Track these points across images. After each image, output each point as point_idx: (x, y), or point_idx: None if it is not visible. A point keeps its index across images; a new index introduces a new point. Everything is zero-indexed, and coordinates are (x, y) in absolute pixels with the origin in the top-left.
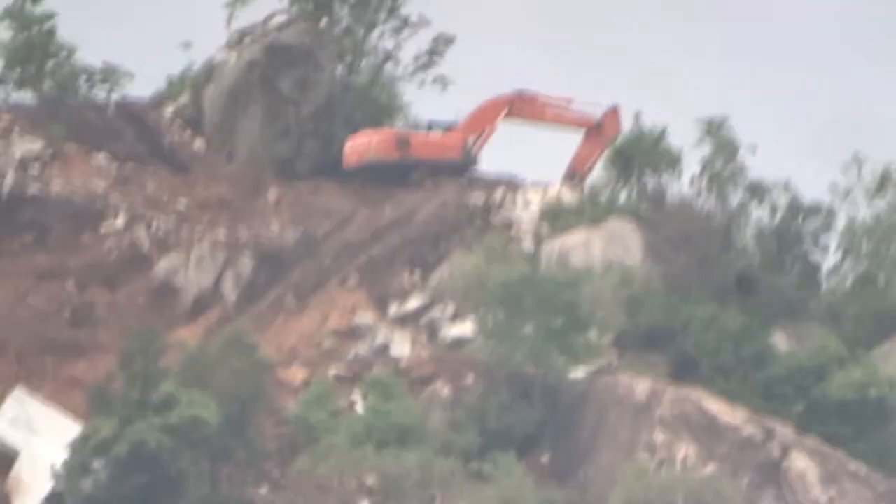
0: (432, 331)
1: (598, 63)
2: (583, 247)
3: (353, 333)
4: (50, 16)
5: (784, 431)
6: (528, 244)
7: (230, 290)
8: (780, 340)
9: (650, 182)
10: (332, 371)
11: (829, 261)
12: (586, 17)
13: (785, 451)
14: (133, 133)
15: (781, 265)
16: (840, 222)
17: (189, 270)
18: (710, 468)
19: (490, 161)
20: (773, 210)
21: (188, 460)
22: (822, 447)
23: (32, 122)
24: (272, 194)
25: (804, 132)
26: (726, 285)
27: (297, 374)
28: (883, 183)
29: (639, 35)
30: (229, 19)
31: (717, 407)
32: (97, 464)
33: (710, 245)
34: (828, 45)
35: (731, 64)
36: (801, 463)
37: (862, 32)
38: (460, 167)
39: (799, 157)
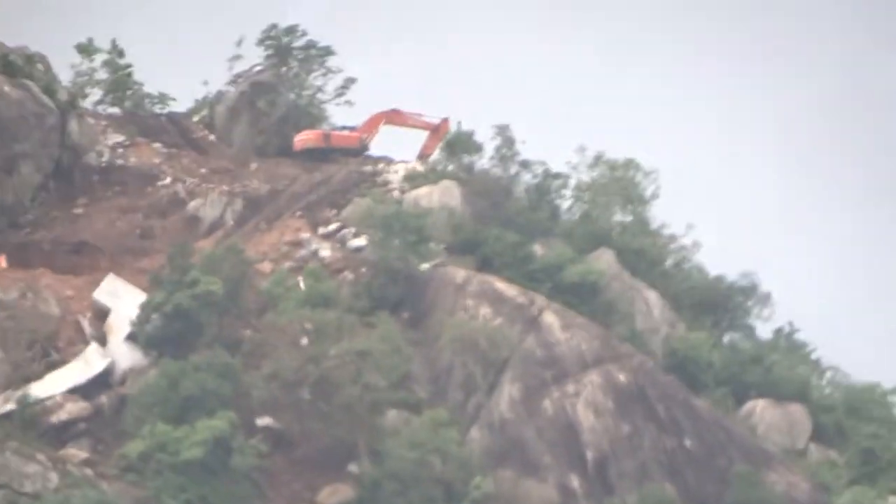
0: (343, 243)
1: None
2: (427, 196)
3: (298, 244)
4: (129, 65)
5: (539, 299)
6: (397, 194)
7: (229, 220)
8: (537, 248)
9: (465, 160)
10: (287, 264)
11: (566, 204)
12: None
13: (540, 311)
14: (176, 131)
15: (541, 206)
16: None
17: (206, 208)
18: (498, 321)
19: (376, 149)
20: (535, 176)
21: (205, 314)
22: (562, 309)
23: (118, 125)
24: (253, 166)
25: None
26: (506, 217)
27: (266, 266)
28: (596, 161)
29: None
30: (231, 67)
31: (501, 285)
32: (154, 316)
33: (499, 195)
34: None
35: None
36: (549, 318)
37: None
38: (359, 152)
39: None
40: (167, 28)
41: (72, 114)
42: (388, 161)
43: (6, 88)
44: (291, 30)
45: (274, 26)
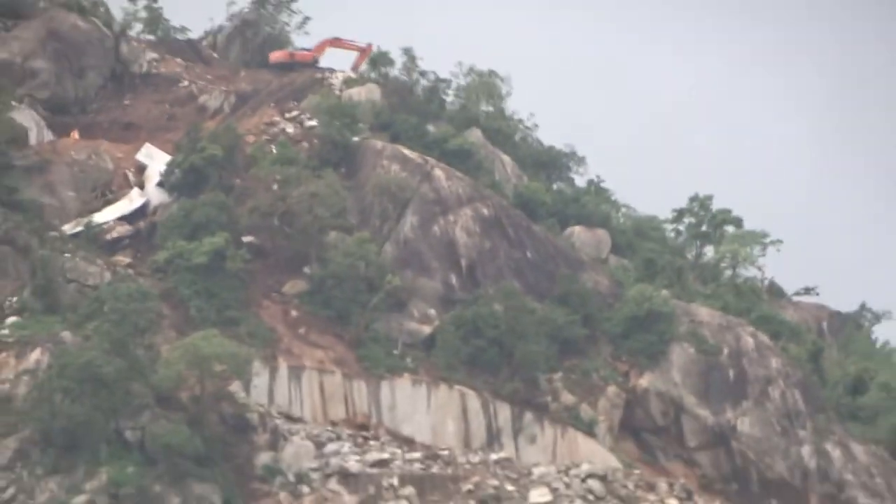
0: (302, 124)
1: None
2: (357, 94)
3: (272, 124)
4: (160, 7)
5: (431, 160)
6: (338, 92)
7: (227, 109)
8: (430, 127)
9: (382, 70)
10: (264, 137)
11: (450, 98)
12: None
13: (432, 168)
14: (191, 51)
15: (433, 100)
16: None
17: (211, 101)
18: (404, 174)
19: (324, 63)
20: (429, 81)
21: (210, 170)
22: (446, 167)
23: (153, 47)
24: (242, 74)
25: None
26: (410, 107)
27: (251, 138)
28: (469, 71)
29: None
30: (228, 9)
31: (406, 151)
32: (176, 170)
33: (405, 93)
34: None
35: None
36: (437, 173)
37: None
38: (312, 65)
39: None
40: None
41: (122, 39)
42: (332, 71)
43: (79, 22)
44: None
45: None
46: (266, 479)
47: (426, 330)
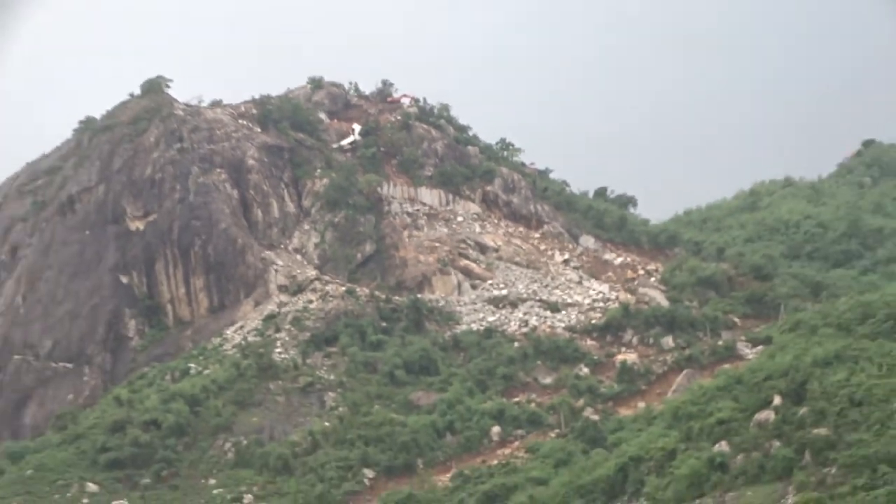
0: (397, 118)
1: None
2: (410, 109)
3: (387, 118)
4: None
5: None
6: (406, 108)
7: (375, 113)
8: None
9: (420, 105)
10: (387, 122)
11: None
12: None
13: None
14: (365, 100)
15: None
16: None
17: (370, 110)
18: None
19: (402, 102)
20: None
21: (371, 130)
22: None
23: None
24: (379, 104)
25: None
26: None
27: (384, 122)
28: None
29: None
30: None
31: None
32: (361, 130)
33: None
34: None
35: None
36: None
37: None
38: (398, 103)
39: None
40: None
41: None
42: (402, 104)
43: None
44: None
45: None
46: None
47: None
